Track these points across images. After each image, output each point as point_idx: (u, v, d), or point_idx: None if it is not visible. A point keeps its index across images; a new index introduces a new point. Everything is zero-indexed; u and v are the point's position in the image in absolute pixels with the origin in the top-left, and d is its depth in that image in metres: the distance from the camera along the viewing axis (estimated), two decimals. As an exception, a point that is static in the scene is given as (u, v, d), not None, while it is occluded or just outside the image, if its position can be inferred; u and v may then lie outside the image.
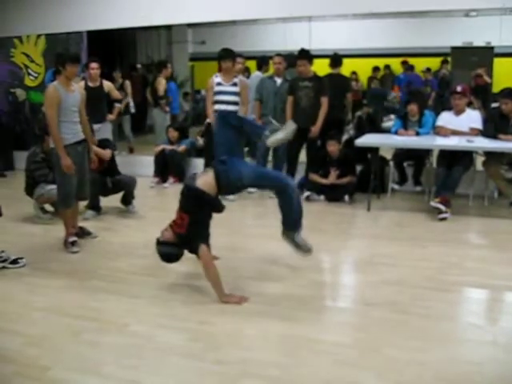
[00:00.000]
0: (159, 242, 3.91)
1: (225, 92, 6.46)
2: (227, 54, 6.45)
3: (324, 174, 6.69)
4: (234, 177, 3.87)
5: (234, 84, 6.51)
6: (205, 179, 3.86)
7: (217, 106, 6.45)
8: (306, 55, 6.66)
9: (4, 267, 4.45)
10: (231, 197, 6.72)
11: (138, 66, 11.93)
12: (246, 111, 6.63)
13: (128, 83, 9.00)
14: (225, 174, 3.85)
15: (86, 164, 5.08)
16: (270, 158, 7.31)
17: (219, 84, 6.49)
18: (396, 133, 6.56)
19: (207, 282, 3.90)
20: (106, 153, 5.94)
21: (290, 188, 4.01)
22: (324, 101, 6.66)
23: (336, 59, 7.29)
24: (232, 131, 4.15)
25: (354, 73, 10.93)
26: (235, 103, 6.49)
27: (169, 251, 3.88)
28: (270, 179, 4.14)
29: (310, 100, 6.69)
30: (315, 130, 6.68)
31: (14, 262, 4.50)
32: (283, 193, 4.02)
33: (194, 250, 3.80)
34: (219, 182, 3.83)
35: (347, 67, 10.78)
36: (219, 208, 3.91)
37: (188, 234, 3.77)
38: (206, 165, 6.71)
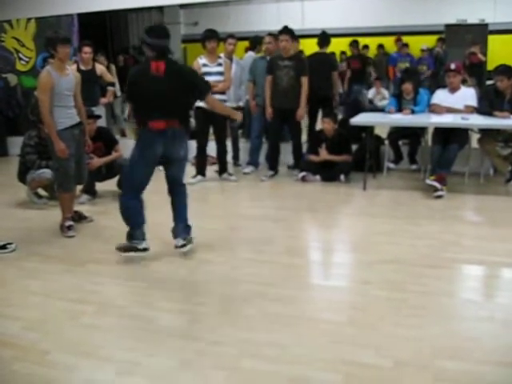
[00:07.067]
0: None
1: (211, 73, 6.39)
2: (212, 35, 6.41)
3: (318, 153, 6.68)
4: None
5: (219, 64, 6.49)
6: None
7: None
8: (288, 31, 6.55)
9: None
10: (233, 177, 6.70)
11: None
12: (227, 88, 6.62)
13: (113, 67, 8.94)
14: None
15: (83, 147, 5.05)
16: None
17: (205, 65, 6.44)
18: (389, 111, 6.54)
19: (205, 265, 3.91)
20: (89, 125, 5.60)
21: None
22: (304, 81, 6.57)
23: (324, 38, 7.17)
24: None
25: (343, 53, 10.83)
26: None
27: None
28: None
29: (290, 80, 6.57)
30: (301, 112, 6.63)
31: (3, 247, 4.47)
32: None
33: None
34: None
35: (339, 46, 10.72)
36: None
37: None
38: (199, 147, 6.67)
